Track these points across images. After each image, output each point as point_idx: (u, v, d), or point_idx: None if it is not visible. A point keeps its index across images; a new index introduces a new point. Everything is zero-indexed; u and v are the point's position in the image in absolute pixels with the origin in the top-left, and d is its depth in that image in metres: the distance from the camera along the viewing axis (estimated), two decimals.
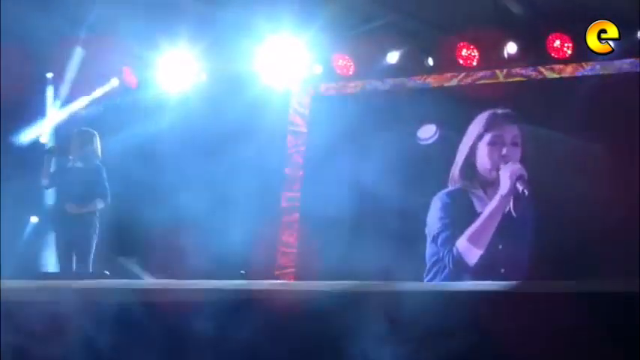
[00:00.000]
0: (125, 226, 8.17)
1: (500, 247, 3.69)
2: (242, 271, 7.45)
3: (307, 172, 8.52)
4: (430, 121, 7.86)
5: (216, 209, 8.15)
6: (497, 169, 3.68)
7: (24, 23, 7.80)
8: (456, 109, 7.15)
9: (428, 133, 7.85)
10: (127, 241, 8.39)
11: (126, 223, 8.14)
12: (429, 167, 7.00)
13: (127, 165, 8.03)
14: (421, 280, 4.03)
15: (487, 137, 3.77)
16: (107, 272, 6.53)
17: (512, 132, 3.79)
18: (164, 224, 8.21)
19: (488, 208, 3.62)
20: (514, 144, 3.79)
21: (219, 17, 7.75)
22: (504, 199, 3.59)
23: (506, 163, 3.72)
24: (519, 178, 3.59)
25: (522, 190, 3.57)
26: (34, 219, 8.90)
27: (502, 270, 3.71)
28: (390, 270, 6.46)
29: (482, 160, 3.76)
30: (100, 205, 7.15)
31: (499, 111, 3.86)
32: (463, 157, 3.82)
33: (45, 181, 7.26)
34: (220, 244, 7.87)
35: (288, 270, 8.32)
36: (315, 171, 8.44)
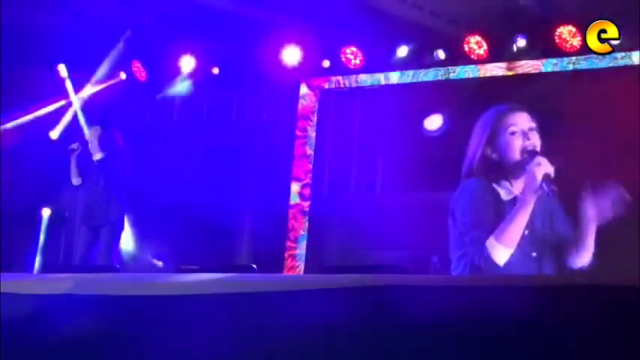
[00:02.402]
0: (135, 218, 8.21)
1: (527, 232, 3.58)
2: (254, 265, 7.45)
3: (317, 164, 8.52)
4: (437, 112, 7.83)
5: (224, 203, 8.17)
6: (524, 161, 3.57)
7: (35, 16, 7.83)
8: (465, 101, 7.14)
9: (435, 124, 7.80)
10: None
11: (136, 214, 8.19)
12: (437, 158, 6.99)
13: (137, 157, 8.06)
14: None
15: (507, 130, 3.66)
16: (117, 265, 6.55)
17: (524, 119, 3.71)
18: (174, 216, 8.25)
19: (517, 207, 3.50)
20: (531, 129, 3.71)
21: (227, 12, 7.76)
22: (531, 196, 3.48)
23: (531, 151, 3.62)
24: (546, 177, 3.47)
25: (548, 192, 3.47)
26: (46, 212, 8.92)
27: (534, 254, 3.61)
28: (400, 262, 6.45)
29: (507, 151, 3.63)
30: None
31: (502, 108, 3.77)
32: (479, 153, 3.66)
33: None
34: (230, 238, 7.88)
35: (297, 264, 8.32)
36: (324, 163, 8.46)
